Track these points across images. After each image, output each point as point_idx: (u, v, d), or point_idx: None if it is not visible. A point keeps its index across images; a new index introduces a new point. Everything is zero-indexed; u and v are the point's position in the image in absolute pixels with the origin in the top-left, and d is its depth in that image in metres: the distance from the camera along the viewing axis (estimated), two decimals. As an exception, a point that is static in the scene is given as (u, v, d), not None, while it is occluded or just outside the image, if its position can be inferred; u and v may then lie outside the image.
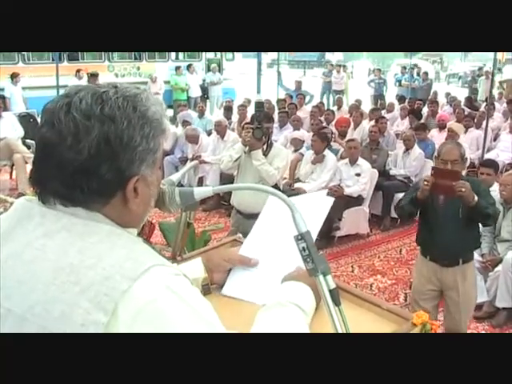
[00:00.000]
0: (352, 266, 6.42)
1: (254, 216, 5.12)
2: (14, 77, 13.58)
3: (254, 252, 1.67)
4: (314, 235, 1.25)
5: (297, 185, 7.23)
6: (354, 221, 7.15)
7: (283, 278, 1.50)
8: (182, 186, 1.44)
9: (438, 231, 3.98)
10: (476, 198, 3.67)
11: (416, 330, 1.39)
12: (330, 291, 1.19)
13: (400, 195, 7.43)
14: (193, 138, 9.01)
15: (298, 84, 16.80)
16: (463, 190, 3.60)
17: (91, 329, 0.92)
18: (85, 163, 1.00)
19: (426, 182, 3.81)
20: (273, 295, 1.43)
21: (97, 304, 0.93)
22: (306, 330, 1.34)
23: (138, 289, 0.95)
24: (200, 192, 1.31)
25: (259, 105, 5.15)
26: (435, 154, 4.81)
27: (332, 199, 1.69)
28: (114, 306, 0.93)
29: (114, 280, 0.95)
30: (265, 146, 4.95)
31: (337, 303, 1.19)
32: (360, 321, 1.44)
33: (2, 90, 13.35)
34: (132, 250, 1.02)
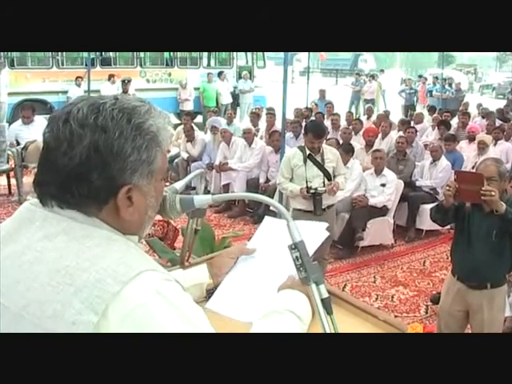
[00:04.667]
0: (374, 277, 6.39)
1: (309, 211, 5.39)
2: (77, 80, 14.20)
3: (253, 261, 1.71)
4: None
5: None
6: (378, 231, 7.12)
7: (279, 287, 1.53)
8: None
9: (467, 251, 3.86)
10: (504, 205, 3.55)
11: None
12: (323, 300, 1.21)
13: (425, 206, 7.42)
14: (227, 138, 9.15)
15: (322, 93, 16.73)
16: (493, 193, 3.48)
17: (81, 328, 0.96)
18: (76, 169, 1.05)
19: (448, 188, 3.72)
20: (257, 314, 1.44)
21: (89, 305, 0.97)
22: None
23: (129, 292, 0.99)
24: (200, 200, 1.35)
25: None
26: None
27: (327, 233, 1.71)
28: (105, 308, 0.97)
29: (106, 283, 0.99)
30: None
31: (329, 312, 1.21)
32: (356, 330, 1.46)
33: (66, 92, 13.85)
34: (126, 255, 1.06)
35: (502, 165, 3.90)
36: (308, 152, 5.45)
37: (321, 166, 5.47)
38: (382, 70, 23.97)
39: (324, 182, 5.45)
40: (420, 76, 22.93)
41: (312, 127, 5.53)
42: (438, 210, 3.98)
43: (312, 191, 5.34)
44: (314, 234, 1.67)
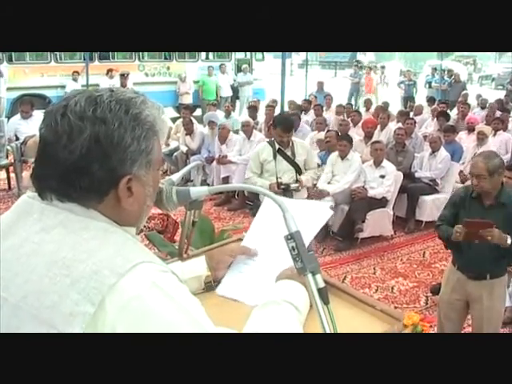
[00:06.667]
0: (374, 268, 6.40)
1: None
2: (74, 75, 14.23)
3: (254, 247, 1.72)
4: (307, 242, 1.27)
5: (320, 185, 7.22)
6: (378, 223, 7.12)
7: (277, 277, 1.53)
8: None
9: (466, 244, 3.90)
10: (509, 240, 3.66)
11: (407, 331, 1.41)
12: (319, 290, 1.21)
13: (425, 197, 7.44)
14: (223, 138, 9.15)
15: (320, 85, 16.72)
16: (489, 238, 3.65)
17: (78, 319, 0.97)
18: (77, 162, 1.06)
19: (457, 232, 3.78)
20: (265, 297, 1.46)
21: (85, 296, 0.98)
22: (299, 329, 1.36)
23: (125, 284, 1.00)
24: (196, 191, 1.36)
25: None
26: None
27: (331, 212, 1.71)
28: (101, 299, 0.97)
29: (103, 274, 0.99)
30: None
31: (325, 302, 1.21)
32: (353, 320, 1.47)
33: (64, 87, 13.81)
34: (123, 247, 1.07)
35: (491, 160, 3.81)
36: (278, 146, 5.49)
37: (291, 161, 5.50)
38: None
39: (296, 177, 5.50)
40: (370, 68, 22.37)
41: (281, 121, 5.55)
42: (448, 241, 4.03)
43: (283, 186, 5.37)
44: (318, 213, 1.68)
